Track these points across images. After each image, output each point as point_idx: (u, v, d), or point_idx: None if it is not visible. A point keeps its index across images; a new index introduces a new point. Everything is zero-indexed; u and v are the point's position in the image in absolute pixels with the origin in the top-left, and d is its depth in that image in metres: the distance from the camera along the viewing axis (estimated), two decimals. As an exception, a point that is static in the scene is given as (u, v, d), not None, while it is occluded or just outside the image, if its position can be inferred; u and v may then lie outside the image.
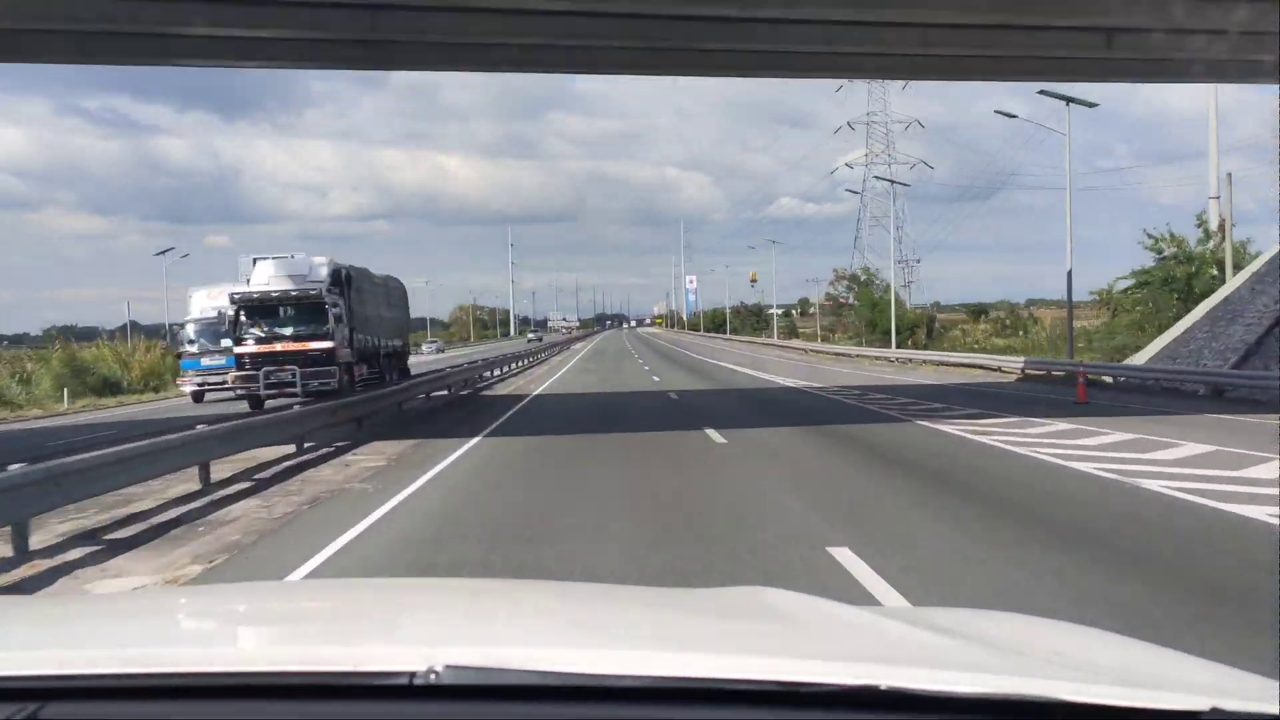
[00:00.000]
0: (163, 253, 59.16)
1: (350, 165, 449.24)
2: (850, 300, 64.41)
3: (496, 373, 35.34)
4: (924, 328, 62.40)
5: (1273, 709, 1.12)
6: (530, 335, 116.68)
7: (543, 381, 32.69)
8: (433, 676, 1.22)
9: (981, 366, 32.77)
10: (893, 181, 54.45)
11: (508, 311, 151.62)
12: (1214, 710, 1.10)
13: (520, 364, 42.99)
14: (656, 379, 32.45)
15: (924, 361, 38.23)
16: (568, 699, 1.24)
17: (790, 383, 28.39)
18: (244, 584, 5.06)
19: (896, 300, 50.09)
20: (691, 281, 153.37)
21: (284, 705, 1.25)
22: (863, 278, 64.16)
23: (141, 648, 1.52)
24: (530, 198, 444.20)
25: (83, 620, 1.91)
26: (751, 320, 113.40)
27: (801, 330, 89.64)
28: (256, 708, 1.25)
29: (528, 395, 25.89)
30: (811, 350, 56.72)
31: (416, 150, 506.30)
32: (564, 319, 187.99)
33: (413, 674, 1.23)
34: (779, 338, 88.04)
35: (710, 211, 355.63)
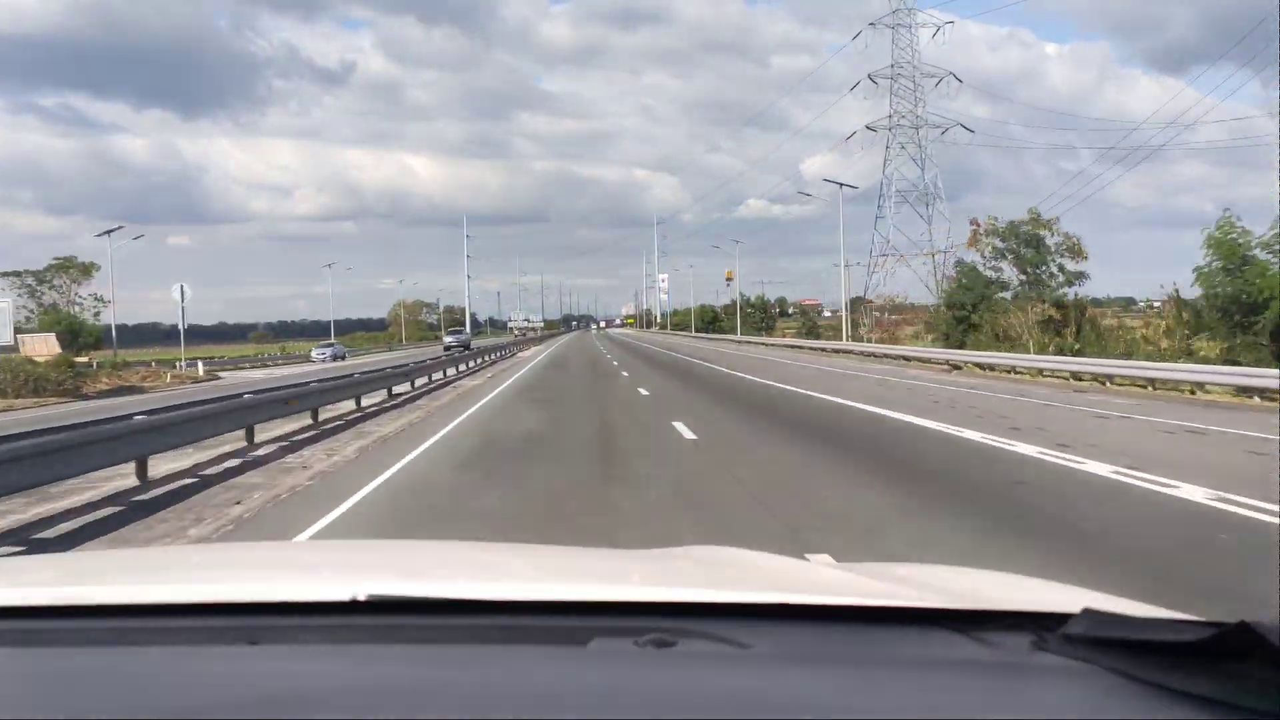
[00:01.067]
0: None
1: (315, 165, 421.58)
2: (1002, 269, 41.55)
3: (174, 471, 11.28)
4: (1073, 325, 41.83)
5: (1136, 612, 1.25)
6: (449, 339, 73.32)
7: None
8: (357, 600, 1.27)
9: None
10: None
11: (464, 311, 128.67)
12: (1085, 610, 1.15)
13: (357, 406, 19.90)
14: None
15: None
16: (481, 613, 1.26)
17: None
18: (181, 546, 4.90)
19: (1241, 262, 24.60)
20: (664, 280, 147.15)
21: (219, 620, 1.29)
22: (1026, 227, 40.80)
23: (82, 585, 1.57)
24: (497, 198, 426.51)
25: (34, 569, 2.04)
26: (755, 318, 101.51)
27: (821, 329, 78.94)
28: (189, 623, 1.28)
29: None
30: (941, 361, 35.12)
31: (382, 150, 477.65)
32: (526, 319, 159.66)
33: (339, 602, 1.27)
34: (781, 336, 75.87)
35: (678, 211, 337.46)
